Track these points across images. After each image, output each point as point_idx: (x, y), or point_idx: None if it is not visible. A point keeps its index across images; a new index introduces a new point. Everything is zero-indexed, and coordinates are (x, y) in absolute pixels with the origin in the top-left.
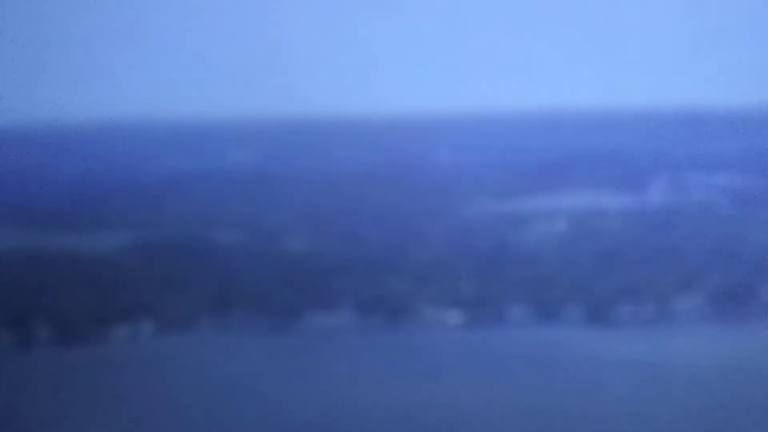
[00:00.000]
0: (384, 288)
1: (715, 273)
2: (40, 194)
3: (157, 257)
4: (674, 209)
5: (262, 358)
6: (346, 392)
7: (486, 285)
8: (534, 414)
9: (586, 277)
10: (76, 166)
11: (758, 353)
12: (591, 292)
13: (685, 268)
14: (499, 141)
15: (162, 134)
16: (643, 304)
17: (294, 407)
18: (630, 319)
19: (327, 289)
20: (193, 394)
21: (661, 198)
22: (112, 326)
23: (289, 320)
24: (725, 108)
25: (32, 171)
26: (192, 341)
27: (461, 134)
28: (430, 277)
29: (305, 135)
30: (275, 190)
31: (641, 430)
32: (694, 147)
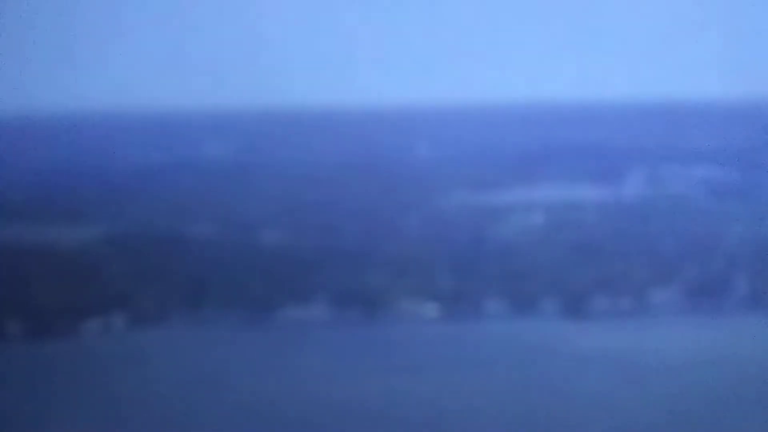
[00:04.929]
0: (360, 281)
1: (691, 266)
2: (10, 186)
3: (130, 250)
4: (651, 202)
5: (236, 352)
6: (322, 386)
7: (463, 278)
8: (511, 406)
9: (563, 269)
10: (47, 157)
11: (733, 345)
12: (567, 284)
13: (662, 260)
14: (476, 134)
15: (136, 125)
16: (620, 296)
17: (269, 401)
18: (606, 312)
19: (302, 283)
20: (167, 387)
21: (637, 191)
22: (84, 320)
23: (264, 314)
24: (702, 101)
25: (3, 161)
26: (165, 335)
27: (438, 127)
28: (407, 270)
29: (281, 127)
30: (250, 182)
31: (617, 421)
32: (671, 140)
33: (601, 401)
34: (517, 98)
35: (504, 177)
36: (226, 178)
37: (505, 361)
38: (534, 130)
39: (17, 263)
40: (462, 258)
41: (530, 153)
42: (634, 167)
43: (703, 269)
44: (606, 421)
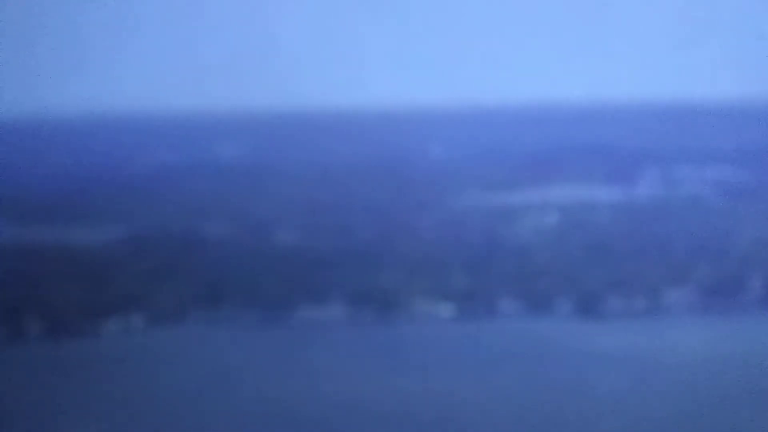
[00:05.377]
0: (375, 281)
1: (705, 266)
2: (30, 187)
3: (148, 250)
4: (664, 202)
5: (252, 351)
6: (337, 385)
7: (477, 278)
8: (525, 406)
9: (577, 269)
10: (66, 158)
11: (747, 345)
12: (581, 284)
13: (675, 260)
14: (489, 134)
15: (153, 127)
16: (633, 296)
17: (284, 400)
18: (620, 312)
19: (317, 282)
20: (184, 386)
21: (651, 191)
22: (103, 319)
23: (279, 313)
24: (715, 102)
25: (22, 164)
26: (183, 334)
27: (452, 127)
28: (421, 270)
29: (296, 128)
30: (266, 183)
31: (631, 420)
32: (684, 140)
33: (615, 400)
34: (531, 99)
35: (517, 177)
36: (241, 179)
37: (520, 360)
38: (547, 130)
39: (37, 264)
40: (476, 258)
41: (544, 153)
42: (647, 168)
43: (716, 269)
44: (619, 419)
